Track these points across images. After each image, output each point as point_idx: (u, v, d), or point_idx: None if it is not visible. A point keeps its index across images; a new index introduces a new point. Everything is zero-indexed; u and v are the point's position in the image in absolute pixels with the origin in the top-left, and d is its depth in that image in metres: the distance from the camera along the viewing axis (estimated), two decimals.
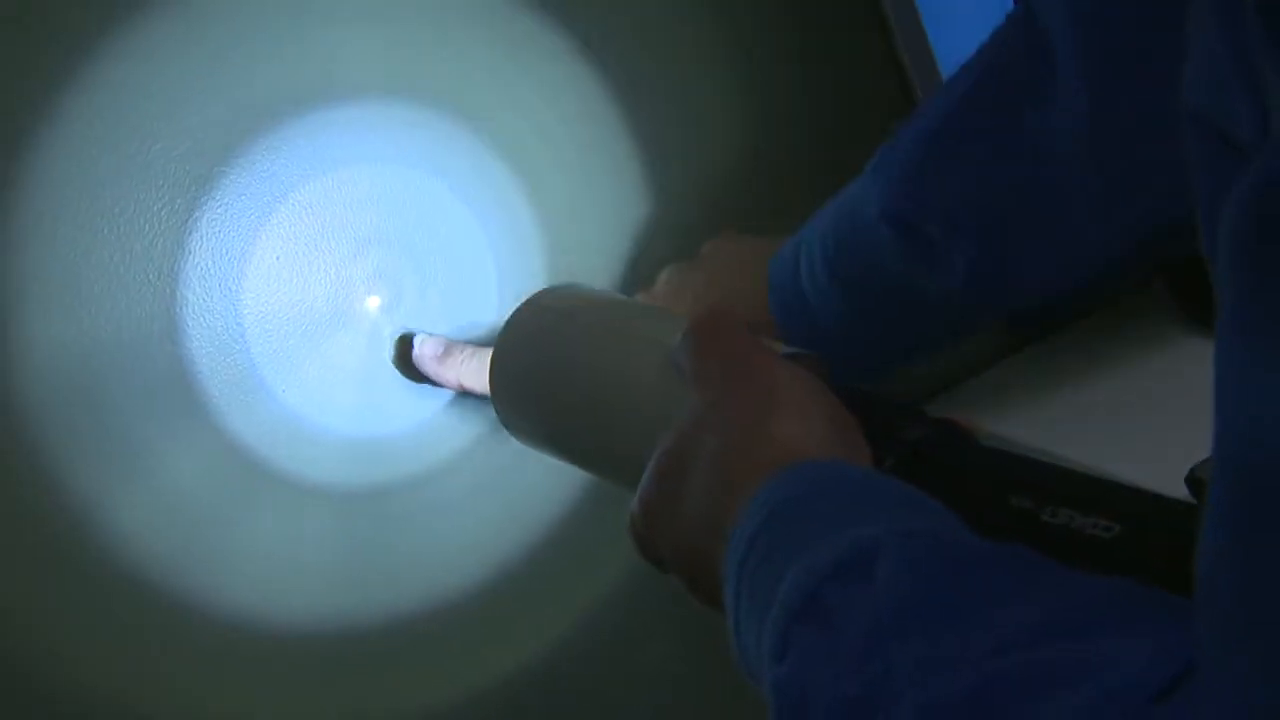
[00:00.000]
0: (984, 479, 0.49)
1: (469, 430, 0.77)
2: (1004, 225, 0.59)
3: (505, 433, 0.69)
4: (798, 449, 0.49)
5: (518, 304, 0.67)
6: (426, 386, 0.75)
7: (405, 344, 0.74)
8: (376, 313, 0.73)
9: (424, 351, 0.73)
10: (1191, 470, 0.49)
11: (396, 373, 0.74)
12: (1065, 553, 0.42)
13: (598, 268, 0.78)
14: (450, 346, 0.73)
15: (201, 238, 0.68)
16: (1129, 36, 0.55)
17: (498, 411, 0.67)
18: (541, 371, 0.64)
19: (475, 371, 0.71)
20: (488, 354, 0.70)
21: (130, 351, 0.67)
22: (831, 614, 0.41)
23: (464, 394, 0.74)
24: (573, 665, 0.83)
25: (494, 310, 0.76)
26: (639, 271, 0.80)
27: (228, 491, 0.71)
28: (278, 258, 0.70)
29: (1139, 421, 0.82)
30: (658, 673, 0.85)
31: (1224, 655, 0.27)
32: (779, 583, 0.43)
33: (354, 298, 0.73)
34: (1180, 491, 0.46)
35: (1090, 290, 0.62)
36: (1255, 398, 0.26)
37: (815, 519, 0.45)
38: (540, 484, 0.80)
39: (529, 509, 0.81)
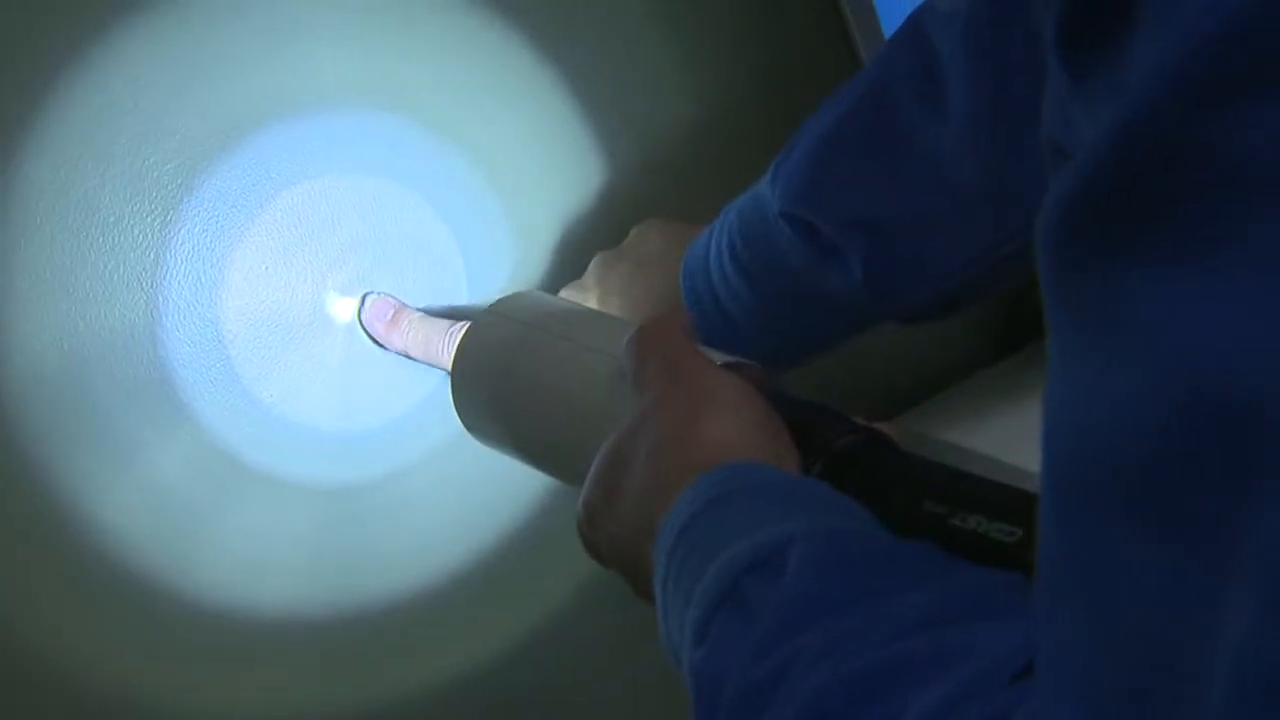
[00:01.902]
0: (901, 485, 0.51)
1: (444, 427, 0.78)
2: (896, 229, 0.61)
3: None
4: (726, 452, 0.51)
5: (478, 311, 0.70)
6: (400, 385, 0.77)
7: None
8: (352, 316, 0.75)
9: (372, 314, 0.74)
10: None
11: (371, 372, 0.76)
12: (973, 555, 0.45)
13: (569, 274, 0.79)
14: (398, 313, 0.74)
15: (183, 246, 0.70)
16: (1016, 64, 0.57)
17: (460, 415, 0.70)
18: (500, 378, 0.66)
19: (420, 340, 0.72)
20: (435, 323, 0.71)
21: (114, 354, 0.69)
22: (746, 605, 0.44)
23: (408, 358, 0.74)
24: (548, 655, 0.85)
25: None
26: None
27: (208, 487, 0.73)
28: (256, 264, 0.72)
29: None
30: (631, 661, 0.87)
31: (1046, 626, 0.30)
32: (702, 575, 0.46)
33: (330, 301, 0.75)
34: None
35: (987, 285, 0.64)
36: (1060, 391, 0.28)
37: (739, 517, 0.47)
38: (514, 478, 0.81)
39: (504, 503, 0.83)
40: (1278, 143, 0.24)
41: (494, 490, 0.82)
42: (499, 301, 0.69)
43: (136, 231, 0.69)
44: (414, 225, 0.77)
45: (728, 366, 0.57)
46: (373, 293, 0.75)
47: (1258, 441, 0.23)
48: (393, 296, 0.75)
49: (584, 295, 0.73)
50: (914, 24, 0.61)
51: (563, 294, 0.74)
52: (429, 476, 0.80)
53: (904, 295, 0.64)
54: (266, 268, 0.73)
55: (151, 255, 0.69)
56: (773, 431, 0.53)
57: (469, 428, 0.70)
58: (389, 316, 0.74)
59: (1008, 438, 0.86)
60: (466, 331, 0.69)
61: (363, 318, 0.75)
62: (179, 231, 0.70)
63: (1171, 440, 0.25)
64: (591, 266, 0.74)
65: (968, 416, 0.93)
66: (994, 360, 1.00)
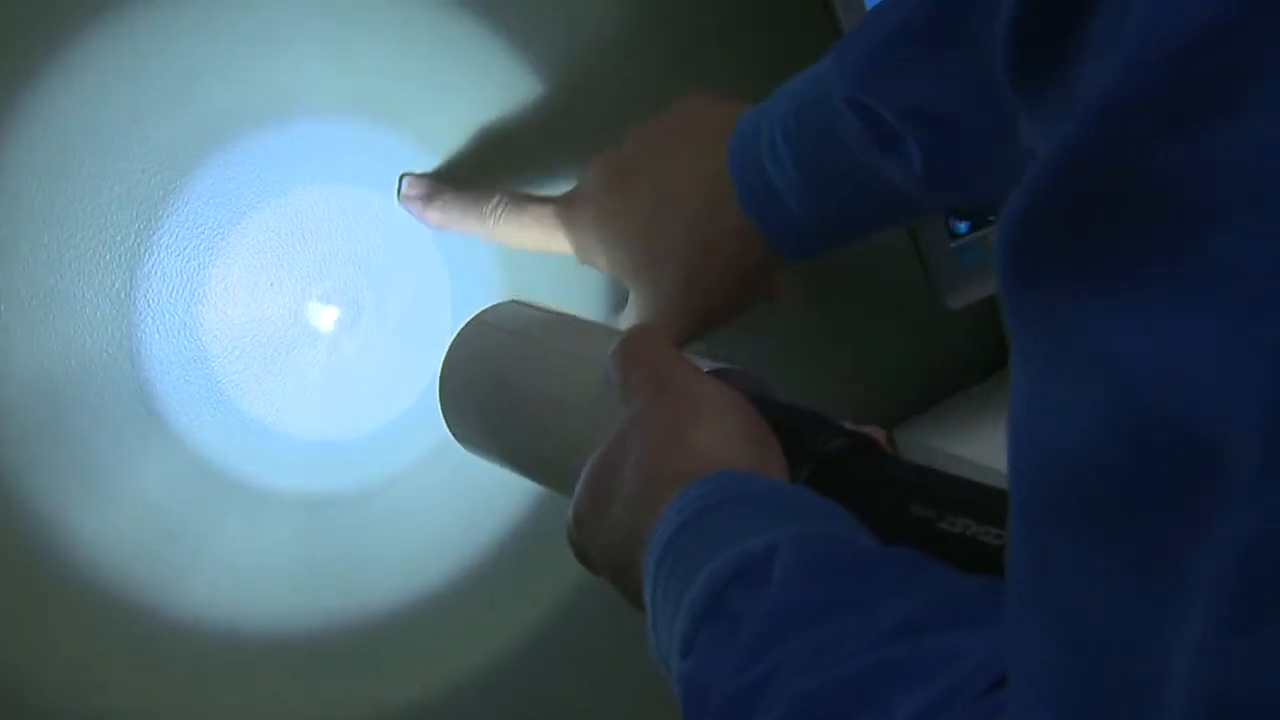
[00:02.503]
0: (889, 489, 0.51)
1: (432, 436, 0.78)
2: (960, 126, 0.60)
3: None
4: (714, 460, 0.51)
5: (465, 321, 0.69)
6: (386, 395, 0.77)
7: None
8: (334, 327, 0.75)
9: (409, 193, 0.75)
10: None
11: (356, 382, 0.76)
12: (961, 558, 0.45)
13: (552, 286, 0.79)
14: (433, 190, 0.75)
15: (160, 259, 0.69)
16: None
17: (448, 424, 0.70)
18: (488, 388, 0.66)
19: (456, 215, 0.74)
20: (468, 199, 0.72)
21: (93, 373, 0.68)
22: (732, 614, 0.44)
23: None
24: (541, 663, 0.85)
25: (449, 325, 0.76)
26: (590, 292, 0.82)
27: (194, 503, 0.73)
28: (238, 276, 0.72)
29: None
30: (623, 669, 0.87)
31: (1018, 635, 0.30)
32: (689, 585, 0.46)
33: (312, 313, 0.74)
34: None
35: None
36: (1020, 403, 0.29)
37: (725, 527, 0.48)
38: (504, 486, 0.80)
39: (494, 511, 0.83)
40: (1217, 168, 0.24)
41: (483, 499, 0.82)
42: (486, 311, 0.69)
43: (114, 245, 0.68)
44: (398, 235, 0.76)
45: (714, 374, 0.57)
46: (409, 173, 0.76)
47: (1204, 463, 0.23)
48: (429, 177, 0.76)
49: (625, 165, 0.71)
50: None
51: (598, 158, 0.72)
52: (417, 486, 0.79)
53: (957, 191, 0.63)
54: (249, 279, 0.72)
55: (130, 269, 0.69)
56: (760, 438, 0.53)
57: (457, 437, 0.70)
58: (424, 193, 0.75)
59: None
60: (453, 342, 0.69)
61: (401, 197, 0.76)
62: (157, 248, 0.69)
63: (1122, 462, 0.25)
64: (630, 138, 0.72)
65: (966, 427, 0.93)
66: (991, 370, 1.00)
